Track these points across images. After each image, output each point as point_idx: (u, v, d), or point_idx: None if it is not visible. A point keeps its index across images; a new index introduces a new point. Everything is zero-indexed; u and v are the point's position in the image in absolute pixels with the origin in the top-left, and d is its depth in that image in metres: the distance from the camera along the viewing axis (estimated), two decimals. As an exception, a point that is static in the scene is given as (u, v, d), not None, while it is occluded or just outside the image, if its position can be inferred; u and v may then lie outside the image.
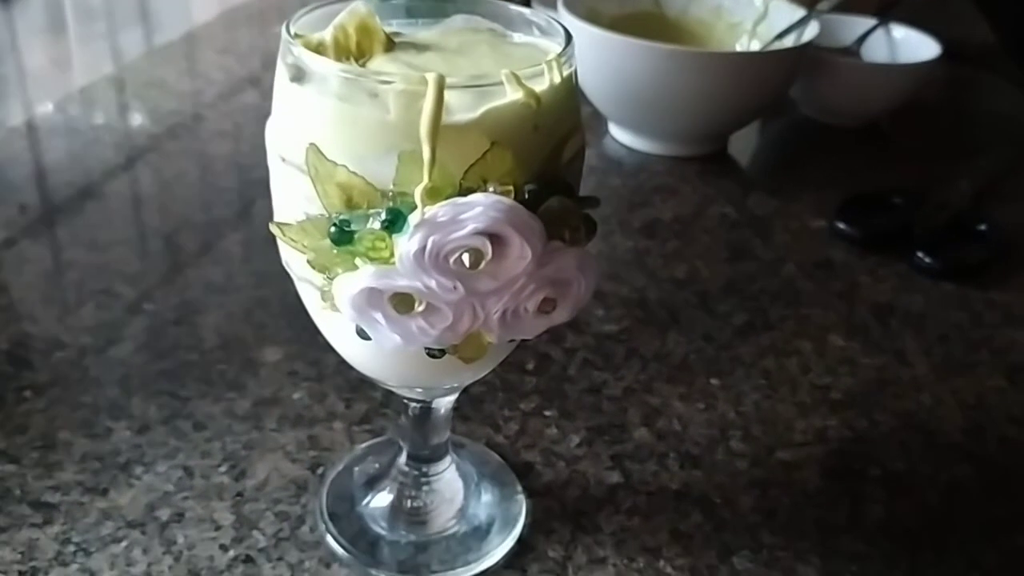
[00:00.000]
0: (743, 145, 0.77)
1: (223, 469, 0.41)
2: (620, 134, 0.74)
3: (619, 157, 0.72)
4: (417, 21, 0.33)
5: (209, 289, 0.53)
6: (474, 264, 0.26)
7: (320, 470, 0.41)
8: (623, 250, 0.59)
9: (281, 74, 0.29)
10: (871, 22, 0.81)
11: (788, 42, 0.72)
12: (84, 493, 0.39)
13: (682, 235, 0.61)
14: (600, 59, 0.68)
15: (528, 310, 0.28)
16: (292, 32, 0.29)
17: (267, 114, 0.30)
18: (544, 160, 0.28)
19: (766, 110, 0.75)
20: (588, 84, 0.71)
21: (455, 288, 0.26)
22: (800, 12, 0.72)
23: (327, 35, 0.29)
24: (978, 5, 1.09)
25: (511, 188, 0.26)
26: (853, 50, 0.80)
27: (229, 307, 0.51)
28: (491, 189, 0.26)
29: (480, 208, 0.25)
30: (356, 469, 0.41)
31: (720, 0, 0.77)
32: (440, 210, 0.25)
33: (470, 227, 0.25)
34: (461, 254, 0.26)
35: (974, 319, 0.54)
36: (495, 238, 0.26)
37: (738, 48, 0.76)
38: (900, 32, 0.81)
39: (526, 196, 0.26)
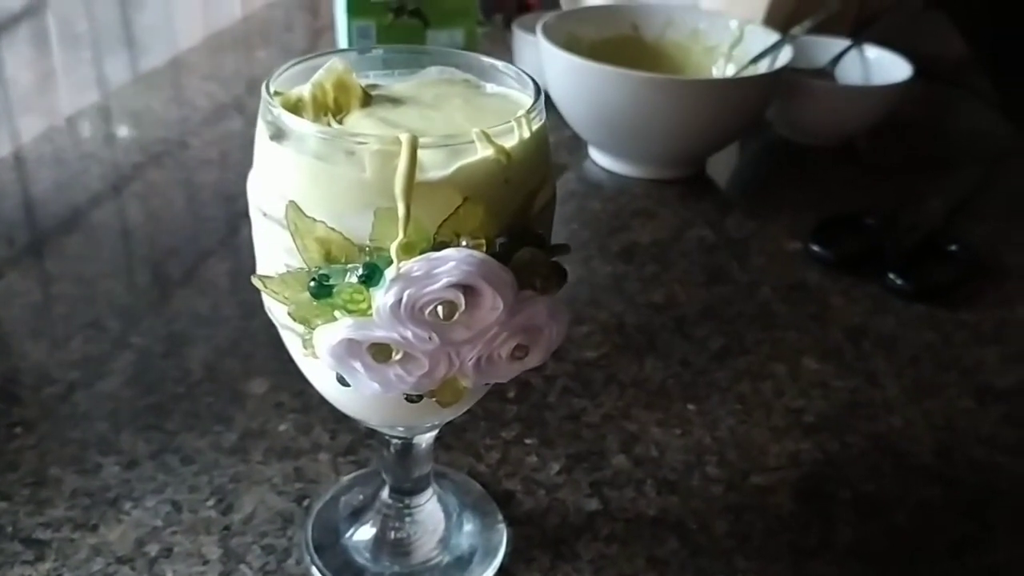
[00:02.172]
0: (721, 166, 0.78)
1: (210, 503, 0.42)
2: (600, 158, 0.75)
3: (599, 181, 0.73)
4: (394, 72, 0.34)
5: (196, 321, 0.54)
6: (448, 315, 0.27)
7: (306, 502, 0.42)
8: (602, 275, 0.61)
9: (261, 131, 0.30)
10: (845, 43, 0.83)
11: (763, 66, 0.73)
12: (75, 529, 0.40)
13: (660, 259, 0.63)
14: (579, 86, 0.69)
15: (501, 356, 0.29)
16: (272, 90, 0.30)
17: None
18: (515, 212, 0.29)
19: (743, 133, 0.76)
20: (568, 110, 0.72)
21: (430, 338, 0.27)
22: (775, 36, 0.74)
23: (306, 92, 0.30)
24: (954, 21, 1.11)
25: (483, 242, 0.27)
26: (827, 71, 0.82)
27: (215, 339, 0.52)
28: (464, 243, 0.27)
29: (453, 263, 0.27)
30: (341, 501, 0.42)
31: (697, 24, 0.79)
32: (415, 265, 0.27)
33: (444, 281, 0.27)
34: (436, 306, 0.27)
35: (944, 339, 0.56)
36: (468, 290, 0.27)
37: (714, 71, 0.78)
38: (873, 53, 0.82)
39: (497, 249, 0.28)
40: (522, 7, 1.04)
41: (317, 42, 1.01)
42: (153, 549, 0.39)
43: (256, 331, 0.52)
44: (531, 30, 0.78)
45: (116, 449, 0.44)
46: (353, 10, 0.82)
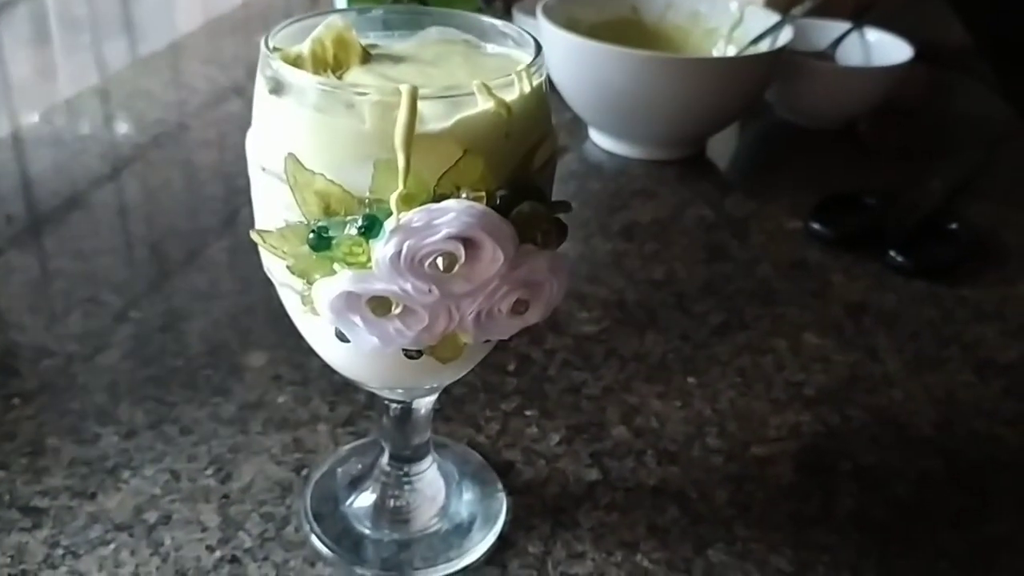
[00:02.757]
0: (721, 148, 0.78)
1: (209, 472, 0.41)
2: (600, 139, 0.75)
3: (599, 161, 0.73)
4: (393, 33, 0.34)
5: (195, 296, 0.54)
6: (448, 267, 0.27)
7: (304, 472, 0.42)
8: (602, 253, 0.60)
9: (260, 86, 0.30)
10: (845, 26, 0.83)
11: (763, 47, 0.73)
12: (72, 497, 0.40)
13: (660, 237, 0.62)
14: (579, 66, 0.69)
15: (502, 311, 0.29)
16: (271, 46, 0.30)
17: (250, 123, 0.31)
18: (515, 166, 0.29)
19: (743, 114, 0.76)
20: (568, 90, 0.72)
21: (430, 291, 0.27)
22: (775, 17, 0.74)
23: (305, 48, 0.30)
24: (953, 6, 1.11)
25: (483, 194, 0.27)
26: (828, 54, 0.82)
27: (214, 313, 0.52)
28: (464, 195, 0.27)
29: (453, 214, 0.26)
30: (340, 470, 0.42)
31: (697, 6, 0.78)
32: (415, 216, 0.26)
33: (444, 232, 0.26)
34: (435, 258, 0.27)
35: (945, 316, 0.56)
36: (468, 242, 0.27)
37: (715, 53, 0.78)
38: (874, 35, 0.82)
39: (498, 201, 0.27)
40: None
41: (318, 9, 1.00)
42: (152, 516, 0.39)
43: (255, 305, 0.52)
44: (532, 14, 0.78)
45: (115, 420, 0.44)
46: (352, -8, 0.81)
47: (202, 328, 0.51)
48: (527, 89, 0.29)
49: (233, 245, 0.59)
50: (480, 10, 0.89)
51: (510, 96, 0.28)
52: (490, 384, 0.48)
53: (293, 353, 0.48)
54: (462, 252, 0.27)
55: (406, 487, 0.40)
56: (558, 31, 0.68)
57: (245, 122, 0.31)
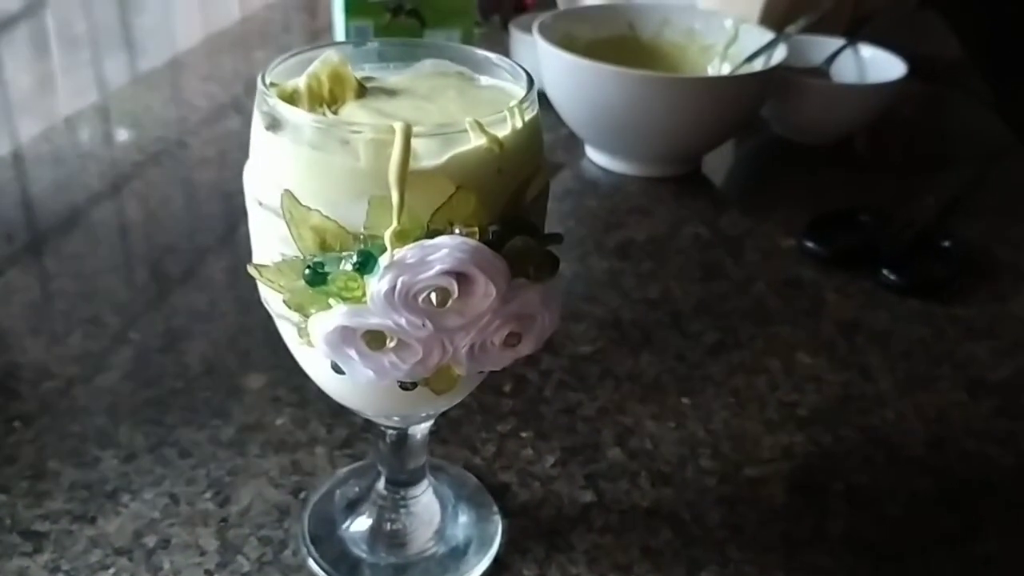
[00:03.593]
0: (717, 164, 0.78)
1: (208, 495, 0.42)
2: (596, 156, 0.75)
3: (595, 178, 0.74)
4: (389, 65, 0.34)
5: (194, 317, 0.54)
6: (442, 302, 0.28)
7: (302, 494, 0.42)
8: (598, 271, 0.61)
9: (257, 122, 0.30)
10: (840, 42, 0.83)
11: (758, 64, 0.74)
12: (73, 521, 0.40)
13: (656, 256, 0.63)
14: (575, 85, 0.70)
15: (495, 344, 0.29)
16: (267, 81, 0.30)
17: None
18: (508, 201, 0.29)
19: (738, 131, 0.77)
20: (564, 108, 0.73)
21: (424, 325, 0.28)
22: (770, 35, 0.74)
23: (301, 83, 0.31)
24: (947, 19, 1.12)
25: (476, 229, 0.28)
26: (823, 70, 0.82)
27: (213, 334, 0.52)
28: (457, 231, 0.28)
29: (446, 250, 0.27)
30: (337, 493, 0.42)
31: (692, 23, 0.79)
32: (409, 252, 0.27)
33: (437, 268, 0.27)
34: (429, 293, 0.27)
35: (937, 334, 0.56)
36: (461, 277, 0.27)
37: (710, 70, 0.78)
38: (868, 51, 0.83)
39: (490, 236, 0.28)
40: (519, 7, 1.05)
41: (315, 43, 1.01)
42: (151, 541, 0.39)
43: (253, 327, 0.53)
44: (528, 30, 0.78)
45: (114, 442, 0.44)
46: (351, 10, 0.82)
47: (201, 349, 0.51)
48: (519, 124, 0.29)
49: (232, 265, 0.59)
50: (477, 24, 0.90)
51: (503, 132, 0.29)
52: (486, 405, 0.48)
53: (291, 375, 0.48)
54: (455, 287, 0.27)
55: (402, 511, 0.40)
56: (554, 50, 0.69)
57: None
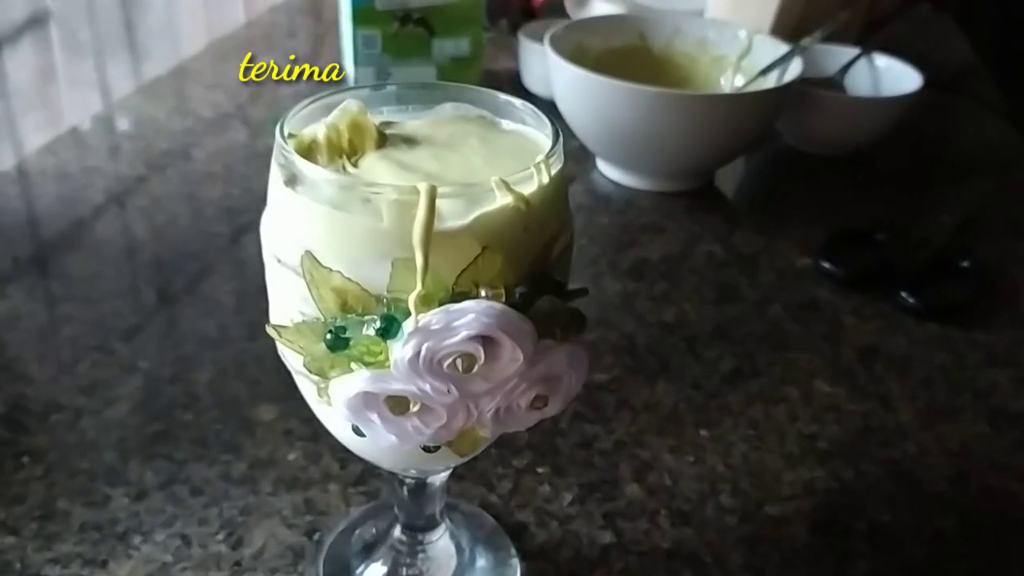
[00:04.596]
0: (729, 177, 0.77)
1: (220, 537, 0.41)
2: (608, 170, 0.74)
3: (607, 192, 0.73)
4: (408, 107, 0.34)
5: (202, 343, 0.53)
6: (467, 368, 0.27)
7: (316, 535, 0.41)
8: (612, 293, 0.60)
9: (275, 175, 0.29)
10: (854, 52, 0.82)
11: (772, 78, 0.73)
12: (84, 565, 0.39)
13: (670, 276, 0.62)
14: (587, 99, 0.68)
15: (520, 406, 0.28)
16: (286, 132, 0.29)
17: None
18: (534, 259, 0.28)
19: (752, 146, 0.75)
20: (576, 122, 0.72)
21: (449, 391, 0.27)
22: (783, 47, 0.73)
23: (320, 133, 0.30)
24: (961, 26, 1.10)
25: (502, 292, 0.27)
26: (836, 80, 0.81)
27: (222, 363, 0.51)
28: (483, 293, 0.27)
29: (473, 315, 0.26)
30: (352, 535, 0.41)
31: (705, 34, 0.78)
32: (434, 317, 0.26)
33: (463, 333, 0.26)
34: (455, 359, 0.27)
35: (957, 361, 0.55)
36: (487, 341, 0.27)
37: (722, 81, 0.77)
38: (882, 62, 0.82)
39: (517, 298, 0.27)
40: (527, 11, 1.03)
41: (320, 48, 1.00)
42: (163, 585, 0.39)
43: (263, 353, 0.52)
44: (538, 38, 0.77)
45: (124, 480, 0.44)
46: (359, 19, 0.81)
47: (210, 379, 0.50)
48: (545, 180, 0.28)
49: (240, 287, 0.58)
50: (485, 29, 0.88)
51: (528, 188, 0.28)
52: (502, 439, 0.46)
53: (302, 406, 0.47)
54: (481, 352, 0.27)
55: (420, 555, 0.39)
56: (567, 64, 0.68)
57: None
